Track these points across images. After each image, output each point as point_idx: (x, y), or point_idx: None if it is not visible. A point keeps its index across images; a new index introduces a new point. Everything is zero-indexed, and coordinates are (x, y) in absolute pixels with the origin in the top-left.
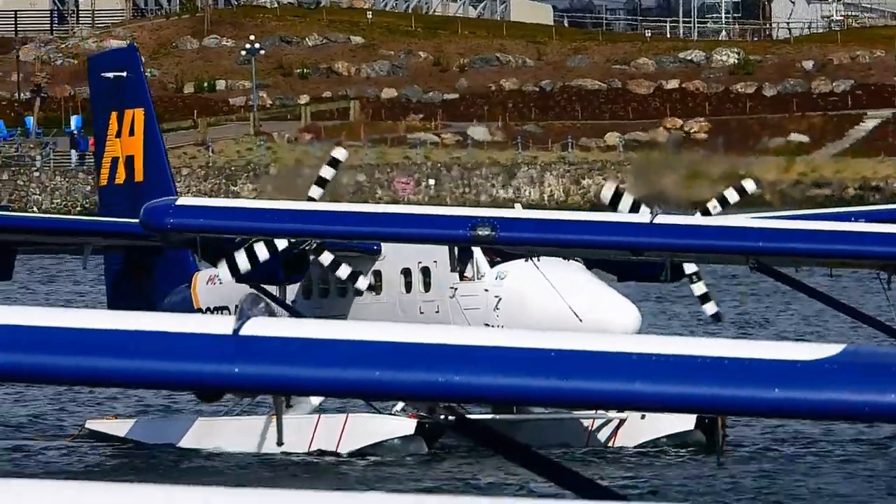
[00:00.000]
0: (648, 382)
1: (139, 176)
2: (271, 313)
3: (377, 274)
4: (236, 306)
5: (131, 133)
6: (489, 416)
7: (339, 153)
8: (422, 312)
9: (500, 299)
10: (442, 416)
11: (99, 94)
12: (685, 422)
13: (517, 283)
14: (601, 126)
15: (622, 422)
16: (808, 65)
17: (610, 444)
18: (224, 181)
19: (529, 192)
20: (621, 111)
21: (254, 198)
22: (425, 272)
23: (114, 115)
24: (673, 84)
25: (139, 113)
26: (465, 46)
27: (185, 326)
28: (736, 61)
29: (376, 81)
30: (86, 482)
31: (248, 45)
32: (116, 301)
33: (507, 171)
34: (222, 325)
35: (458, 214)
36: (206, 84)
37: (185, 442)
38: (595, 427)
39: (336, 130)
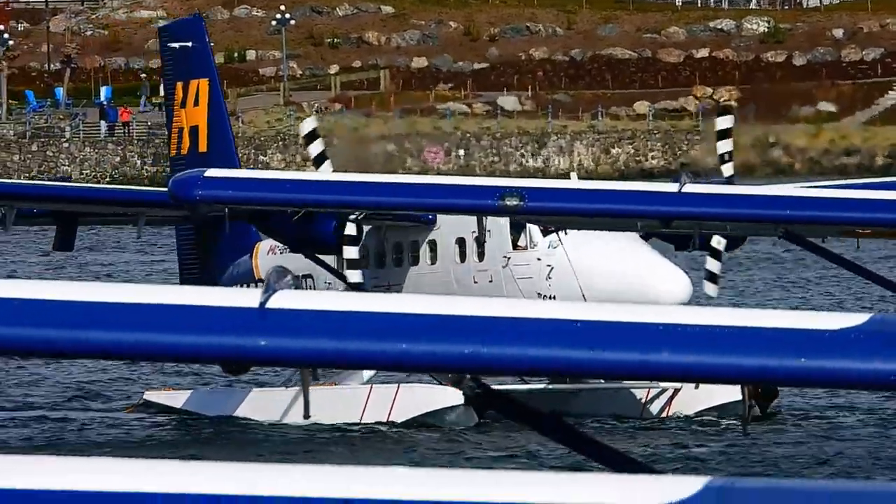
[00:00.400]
0: (671, 352)
1: (203, 146)
2: (297, 286)
3: (432, 244)
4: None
5: (196, 103)
6: (542, 387)
7: (308, 125)
8: (476, 282)
9: (552, 268)
10: (468, 388)
11: (167, 64)
12: (739, 392)
13: (569, 251)
14: (631, 95)
15: (676, 392)
16: (839, 33)
17: (664, 414)
18: (253, 151)
19: (559, 162)
20: (651, 80)
21: (283, 168)
22: (479, 242)
23: (179, 85)
24: (703, 53)
25: (204, 83)
26: (496, 16)
27: (212, 299)
28: (766, 30)
29: (406, 51)
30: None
31: (278, 15)
32: (186, 272)
33: (536, 140)
34: (248, 298)
35: (487, 184)
36: (236, 54)
37: (241, 412)
38: (649, 398)
39: (366, 100)
